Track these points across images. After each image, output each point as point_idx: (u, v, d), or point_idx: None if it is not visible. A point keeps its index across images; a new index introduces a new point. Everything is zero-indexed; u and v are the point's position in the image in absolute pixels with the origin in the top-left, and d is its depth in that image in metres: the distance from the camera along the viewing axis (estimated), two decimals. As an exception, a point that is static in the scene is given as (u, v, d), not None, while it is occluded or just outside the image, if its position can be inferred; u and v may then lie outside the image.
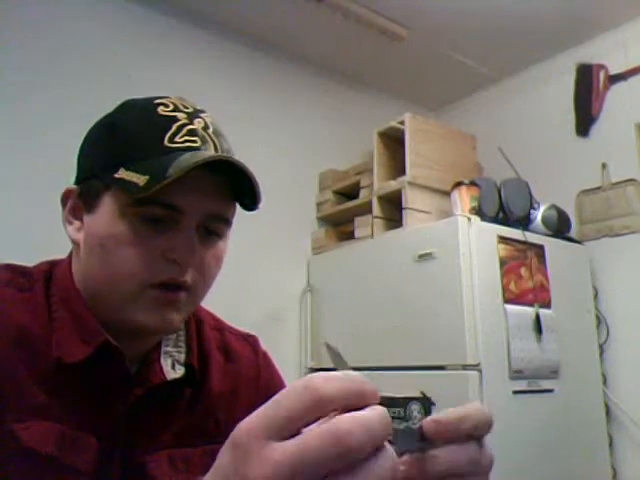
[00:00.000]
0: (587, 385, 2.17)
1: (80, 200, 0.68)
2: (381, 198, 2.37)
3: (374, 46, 2.61)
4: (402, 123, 2.36)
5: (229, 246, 0.72)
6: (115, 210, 0.64)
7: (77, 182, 0.69)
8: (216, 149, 0.67)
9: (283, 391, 0.35)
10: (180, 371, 0.73)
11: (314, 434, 0.33)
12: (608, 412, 2.22)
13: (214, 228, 0.68)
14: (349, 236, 2.52)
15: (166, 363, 0.72)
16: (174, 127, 0.65)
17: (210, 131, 0.68)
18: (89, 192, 0.67)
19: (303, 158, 2.66)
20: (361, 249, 2.36)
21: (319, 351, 2.40)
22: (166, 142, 0.64)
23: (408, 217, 2.23)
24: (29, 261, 0.75)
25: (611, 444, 2.20)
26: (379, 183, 2.39)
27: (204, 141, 0.66)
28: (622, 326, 2.28)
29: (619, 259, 2.33)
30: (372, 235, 2.35)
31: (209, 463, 0.73)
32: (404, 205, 2.25)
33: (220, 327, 0.84)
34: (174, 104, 0.68)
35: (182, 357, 0.74)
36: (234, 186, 0.67)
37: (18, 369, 0.63)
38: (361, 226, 2.44)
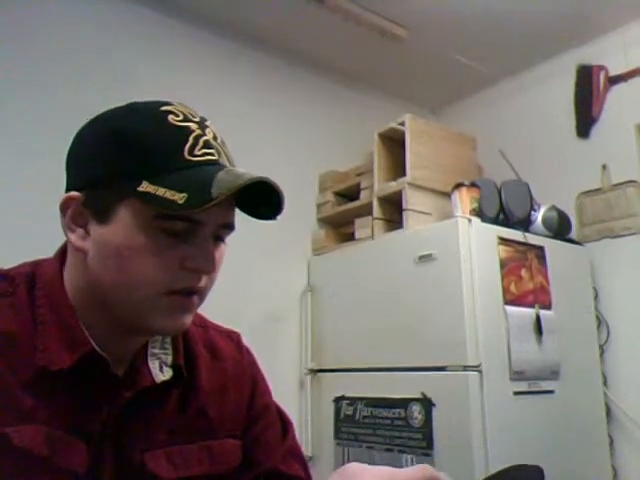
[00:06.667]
0: (587, 386, 2.17)
1: (86, 209, 0.66)
2: (381, 199, 2.37)
3: (374, 47, 2.61)
4: (402, 124, 2.35)
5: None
6: (135, 222, 0.64)
7: (76, 188, 0.67)
8: (228, 161, 0.69)
9: None
10: (168, 373, 0.74)
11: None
12: (608, 413, 2.22)
13: (222, 234, 0.70)
14: (349, 237, 2.52)
15: (154, 365, 0.74)
16: (191, 139, 0.65)
17: (219, 142, 0.69)
18: (99, 202, 0.65)
19: (303, 159, 2.66)
20: (361, 250, 2.36)
21: (319, 352, 2.40)
22: (186, 155, 0.64)
23: (408, 218, 2.23)
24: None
25: (611, 444, 2.20)
26: (379, 184, 2.39)
27: (219, 153, 0.67)
28: (622, 327, 2.28)
29: (619, 260, 2.33)
30: (372, 236, 2.35)
31: (205, 458, 0.75)
32: (404, 206, 2.25)
33: (204, 324, 0.86)
34: (182, 113, 0.68)
35: (169, 359, 0.75)
36: (245, 196, 0.69)
37: (4, 374, 0.63)
38: (361, 227, 2.43)
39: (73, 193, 0.67)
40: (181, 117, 0.67)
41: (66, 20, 2.11)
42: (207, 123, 0.69)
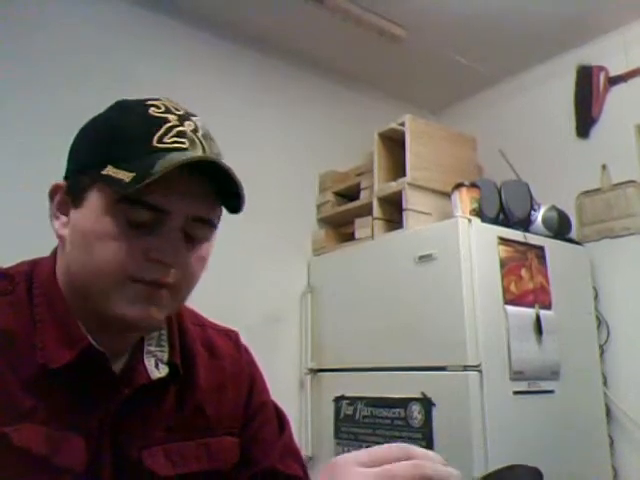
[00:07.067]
0: (587, 386, 2.17)
1: (68, 196, 0.68)
2: (381, 199, 2.37)
3: (374, 47, 2.61)
4: (402, 125, 2.35)
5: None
6: (101, 206, 0.65)
7: (65, 178, 0.70)
8: (204, 152, 0.67)
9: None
10: (164, 370, 0.74)
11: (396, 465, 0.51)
12: (608, 413, 2.22)
13: (198, 230, 0.68)
14: (349, 237, 2.52)
15: (149, 363, 0.73)
16: (164, 128, 0.65)
17: (199, 134, 0.68)
18: (76, 187, 0.67)
19: (303, 159, 2.66)
20: (361, 250, 2.36)
21: (319, 351, 2.40)
22: (154, 142, 0.64)
23: (408, 218, 2.23)
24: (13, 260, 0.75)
25: (611, 445, 2.20)
26: (379, 184, 2.39)
27: (192, 143, 0.66)
28: (622, 327, 2.28)
29: (619, 260, 2.33)
30: (372, 236, 2.35)
31: (203, 455, 0.75)
32: (404, 206, 2.25)
33: (201, 323, 0.86)
34: (165, 106, 0.68)
35: (165, 356, 0.75)
36: (220, 189, 0.68)
37: (3, 373, 0.63)
38: (361, 227, 2.43)
39: (60, 181, 0.69)
40: (162, 109, 0.67)
41: (66, 20, 2.11)
42: (192, 118, 0.69)
